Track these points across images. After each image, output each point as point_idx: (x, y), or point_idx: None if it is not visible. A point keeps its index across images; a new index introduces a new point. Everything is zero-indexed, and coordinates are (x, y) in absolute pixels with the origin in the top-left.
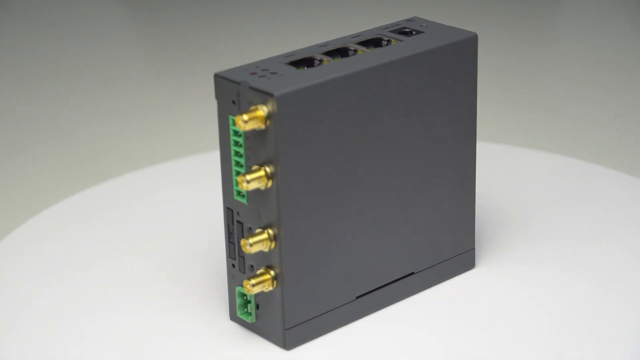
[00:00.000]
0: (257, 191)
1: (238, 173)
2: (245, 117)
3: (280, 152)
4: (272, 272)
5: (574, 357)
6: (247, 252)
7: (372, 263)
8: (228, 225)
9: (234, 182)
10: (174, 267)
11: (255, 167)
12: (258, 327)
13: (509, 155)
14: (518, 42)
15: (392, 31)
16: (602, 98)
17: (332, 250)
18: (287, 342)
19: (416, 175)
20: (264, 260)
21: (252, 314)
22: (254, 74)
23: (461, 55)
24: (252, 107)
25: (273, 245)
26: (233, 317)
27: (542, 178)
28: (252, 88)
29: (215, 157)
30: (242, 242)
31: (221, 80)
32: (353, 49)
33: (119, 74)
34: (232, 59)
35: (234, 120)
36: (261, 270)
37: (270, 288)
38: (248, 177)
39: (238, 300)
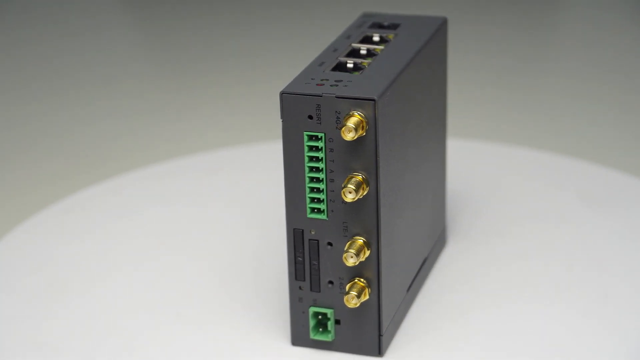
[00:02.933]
0: (340, 203)
1: (312, 190)
2: (351, 125)
3: (379, 155)
4: (362, 281)
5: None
6: (352, 264)
7: (411, 254)
8: (295, 248)
9: (307, 200)
10: (200, 290)
11: (349, 177)
12: (337, 344)
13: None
14: (516, 40)
15: (370, 27)
16: (602, 96)
17: (399, 247)
18: (382, 347)
19: (427, 163)
20: (349, 272)
21: (331, 332)
22: (320, 85)
23: (440, 40)
24: (346, 116)
25: (368, 252)
26: (298, 341)
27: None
28: (341, 97)
29: (220, 156)
30: (345, 255)
31: (292, 97)
32: (365, 48)
33: (118, 74)
34: (232, 58)
35: (310, 136)
36: (353, 282)
37: (367, 297)
38: (351, 186)
39: (312, 322)
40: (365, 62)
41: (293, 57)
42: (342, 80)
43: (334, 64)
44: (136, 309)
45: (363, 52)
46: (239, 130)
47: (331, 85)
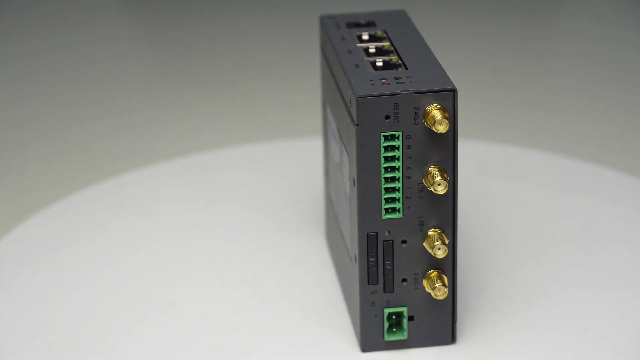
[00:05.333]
0: (416, 198)
1: (388, 190)
2: (441, 117)
3: (456, 144)
4: (437, 271)
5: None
6: (442, 256)
7: None
8: (368, 252)
9: (383, 202)
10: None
11: (429, 170)
12: (411, 340)
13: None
14: (515, 37)
15: (349, 28)
16: (602, 95)
17: None
18: (455, 334)
19: None
20: (424, 266)
21: (405, 330)
22: (386, 84)
23: None
24: (427, 110)
25: (447, 241)
26: (369, 346)
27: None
28: (420, 92)
29: (220, 156)
30: (433, 249)
31: (370, 100)
32: (372, 47)
33: (118, 73)
34: (233, 56)
35: (386, 136)
36: (429, 275)
37: (447, 286)
38: (440, 178)
39: (386, 324)
40: (395, 58)
41: (273, 56)
42: (400, 78)
43: (368, 65)
44: (158, 314)
45: (372, 50)
46: (239, 131)
47: (399, 83)
